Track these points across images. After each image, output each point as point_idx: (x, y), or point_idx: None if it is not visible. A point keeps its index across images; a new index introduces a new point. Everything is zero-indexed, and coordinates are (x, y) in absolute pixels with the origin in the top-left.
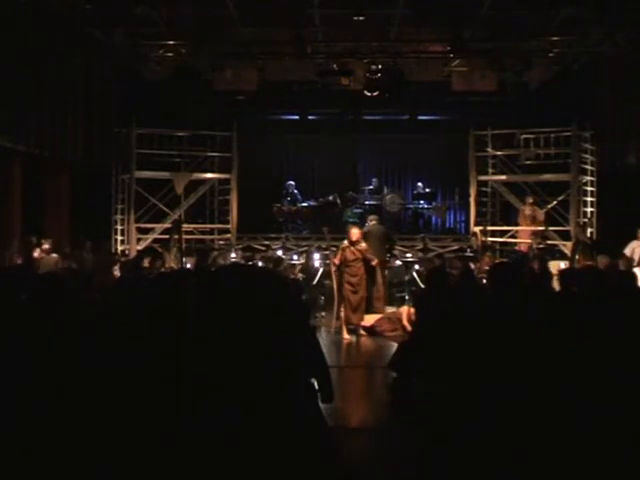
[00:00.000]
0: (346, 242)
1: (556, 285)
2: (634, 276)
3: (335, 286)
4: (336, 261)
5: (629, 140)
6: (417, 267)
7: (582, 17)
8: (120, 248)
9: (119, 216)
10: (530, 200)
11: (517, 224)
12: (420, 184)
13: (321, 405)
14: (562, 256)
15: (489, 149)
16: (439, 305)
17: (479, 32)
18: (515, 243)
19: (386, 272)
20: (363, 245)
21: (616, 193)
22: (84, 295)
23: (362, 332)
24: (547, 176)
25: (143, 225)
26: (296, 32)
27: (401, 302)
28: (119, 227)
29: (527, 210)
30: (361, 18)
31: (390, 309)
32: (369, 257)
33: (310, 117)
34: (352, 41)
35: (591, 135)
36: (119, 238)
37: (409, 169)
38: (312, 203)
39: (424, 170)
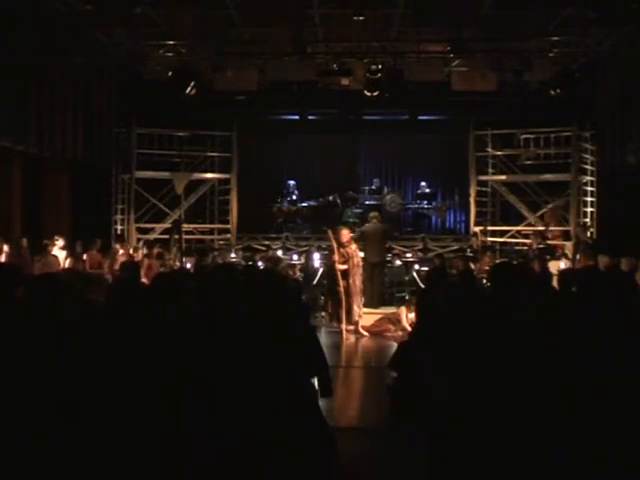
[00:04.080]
0: (335, 244)
1: (556, 285)
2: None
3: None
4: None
5: (629, 140)
6: (417, 267)
7: (582, 17)
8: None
9: (119, 216)
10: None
11: (518, 224)
12: (424, 183)
13: (321, 405)
14: (561, 255)
15: (489, 149)
16: (439, 305)
17: (479, 32)
18: (515, 243)
19: (386, 273)
20: (353, 247)
21: (616, 193)
22: (85, 295)
23: (362, 332)
24: (547, 176)
25: (143, 225)
26: (296, 32)
27: (401, 302)
28: (119, 227)
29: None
30: (361, 18)
31: (390, 309)
32: (345, 266)
33: (310, 117)
34: (352, 41)
35: (591, 135)
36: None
37: (409, 169)
38: (312, 203)
39: (424, 170)
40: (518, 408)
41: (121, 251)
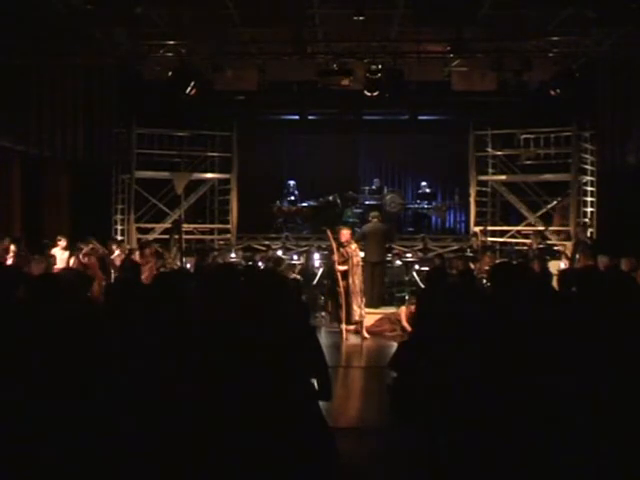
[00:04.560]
0: (335, 244)
1: (556, 285)
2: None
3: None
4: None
5: (629, 140)
6: (417, 267)
7: (582, 17)
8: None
9: (119, 216)
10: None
11: (518, 224)
12: (424, 183)
13: (321, 405)
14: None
15: (489, 149)
16: (439, 305)
17: (479, 32)
18: (516, 243)
19: (386, 273)
20: (353, 247)
21: (616, 193)
22: (85, 294)
23: (364, 334)
24: (547, 176)
25: (143, 225)
26: (296, 32)
27: (401, 302)
28: (119, 227)
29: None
30: (361, 18)
31: (390, 309)
32: (345, 267)
33: (310, 117)
34: (352, 41)
35: (591, 135)
36: (119, 238)
37: (409, 169)
38: (312, 203)
39: (424, 170)
40: (518, 408)
41: (117, 252)
